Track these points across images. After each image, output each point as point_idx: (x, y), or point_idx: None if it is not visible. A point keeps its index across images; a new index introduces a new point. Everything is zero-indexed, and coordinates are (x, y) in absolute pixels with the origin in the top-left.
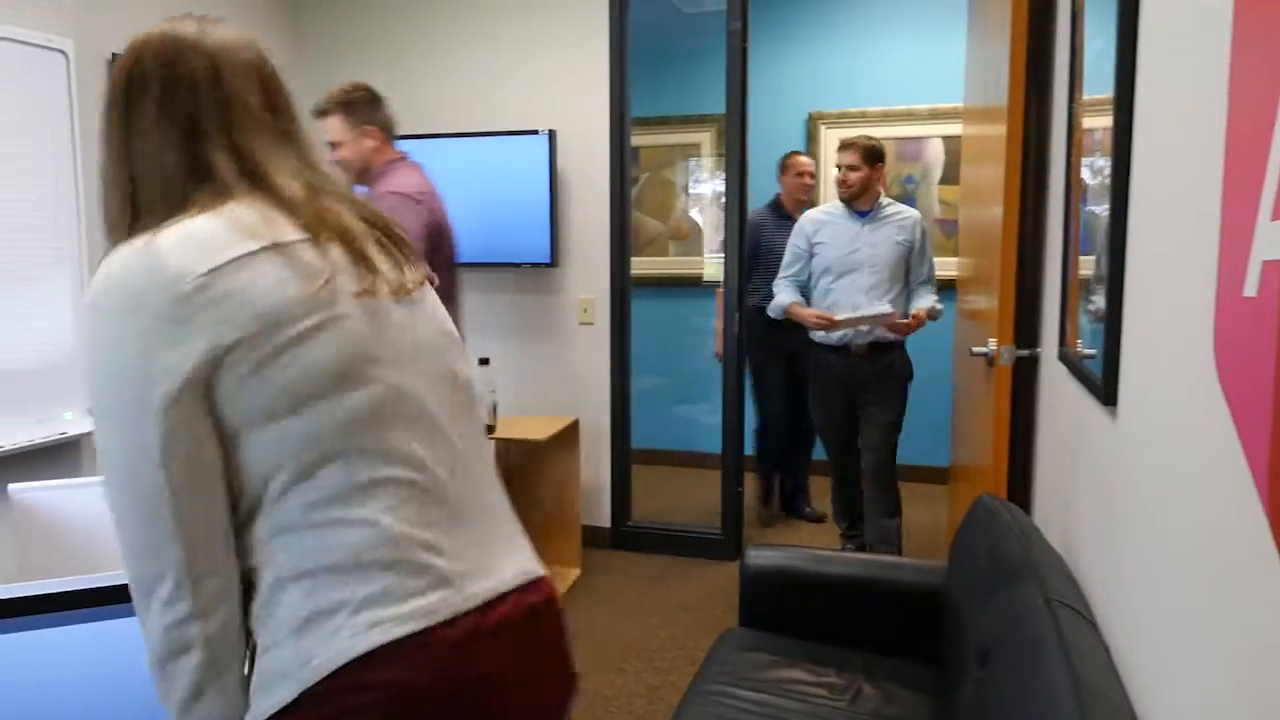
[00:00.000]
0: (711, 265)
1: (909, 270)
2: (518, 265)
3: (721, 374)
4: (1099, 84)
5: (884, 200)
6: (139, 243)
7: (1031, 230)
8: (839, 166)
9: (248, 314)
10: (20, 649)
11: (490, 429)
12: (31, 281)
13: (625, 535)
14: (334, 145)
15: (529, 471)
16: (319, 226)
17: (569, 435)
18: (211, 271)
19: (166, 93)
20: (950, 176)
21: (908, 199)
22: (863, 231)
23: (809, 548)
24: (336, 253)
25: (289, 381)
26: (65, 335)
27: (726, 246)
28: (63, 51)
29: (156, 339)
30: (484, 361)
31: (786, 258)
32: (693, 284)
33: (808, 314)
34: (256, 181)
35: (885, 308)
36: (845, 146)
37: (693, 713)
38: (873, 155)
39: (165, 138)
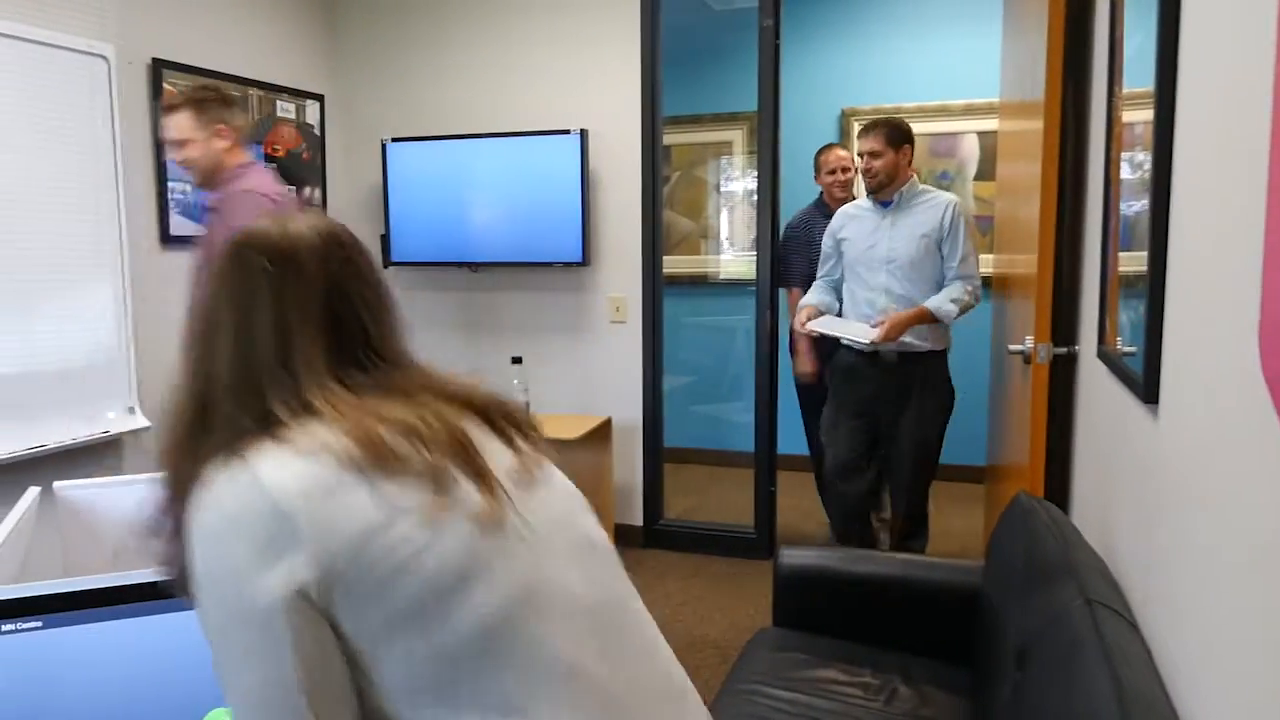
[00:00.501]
0: (735, 264)
1: (946, 264)
2: (550, 264)
3: (754, 372)
4: (1139, 77)
5: (913, 187)
6: (230, 470)
7: (1069, 226)
8: (861, 154)
9: (352, 529)
10: (66, 644)
11: None
12: (74, 284)
13: (658, 534)
14: (181, 143)
15: (561, 470)
16: (403, 445)
17: (601, 434)
18: (309, 492)
19: (241, 323)
20: (985, 172)
21: None
22: (883, 224)
23: (843, 547)
24: (439, 461)
25: (407, 592)
26: (107, 336)
27: (758, 244)
28: (104, 57)
29: (264, 560)
30: (517, 360)
31: (821, 257)
32: (727, 283)
33: (798, 317)
34: (316, 412)
35: (864, 333)
36: (865, 131)
37: (726, 712)
38: (897, 136)
39: (234, 370)
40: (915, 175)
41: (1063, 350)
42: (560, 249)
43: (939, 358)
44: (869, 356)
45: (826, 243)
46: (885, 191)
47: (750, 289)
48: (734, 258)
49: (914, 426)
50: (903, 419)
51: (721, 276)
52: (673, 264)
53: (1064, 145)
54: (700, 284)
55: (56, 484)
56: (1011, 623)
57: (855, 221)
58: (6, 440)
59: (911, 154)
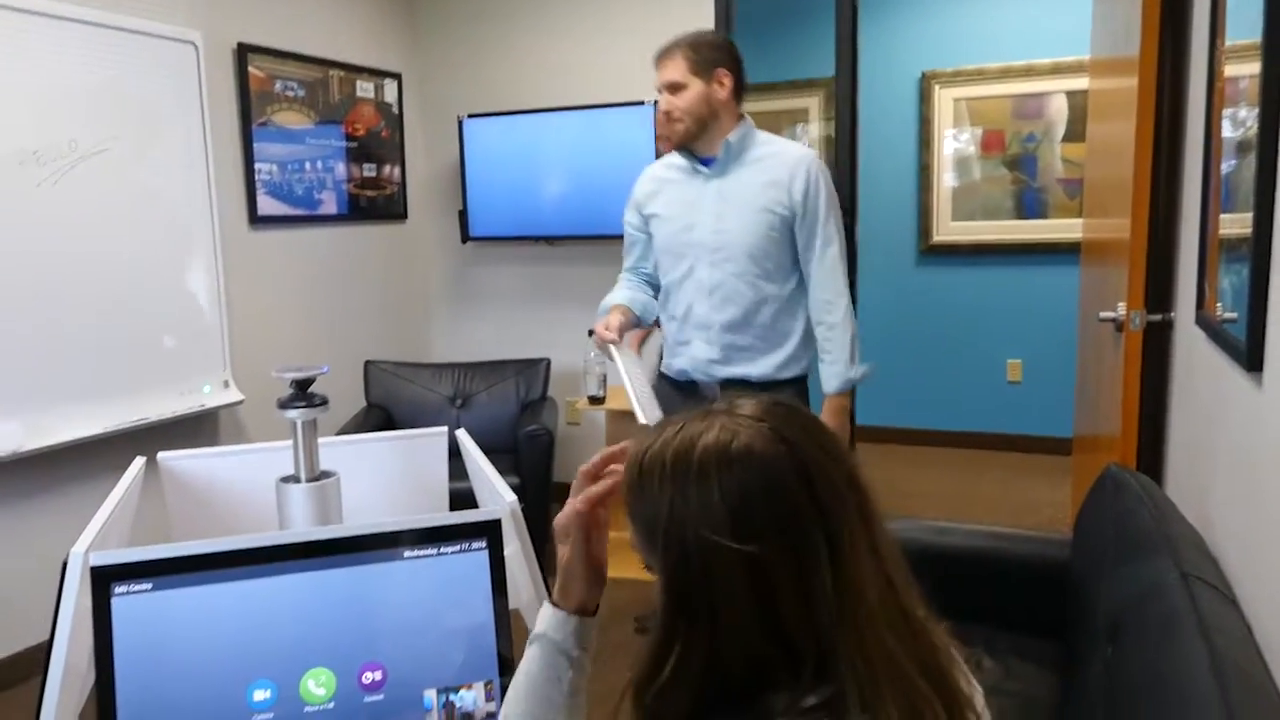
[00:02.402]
0: None
1: (803, 259)
2: (622, 237)
3: None
4: (1244, 28)
5: (748, 134)
6: None
7: (1165, 187)
8: (658, 90)
9: None
10: (175, 605)
11: (600, 400)
12: (169, 264)
13: None
14: None
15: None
16: None
17: None
18: None
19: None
20: (1075, 134)
21: (1028, 158)
22: (706, 193)
23: (926, 519)
24: None
25: None
26: (202, 314)
27: None
28: (192, 43)
29: None
30: (593, 334)
31: (625, 241)
32: None
33: (598, 325)
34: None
35: (644, 412)
36: (659, 55)
37: None
38: (706, 57)
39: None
40: (749, 119)
41: (1157, 317)
42: None
43: (790, 388)
44: (684, 388)
45: (630, 219)
46: (701, 144)
47: None
48: None
49: None
50: None
51: None
52: None
53: (1160, 102)
54: None
55: (161, 454)
56: (1102, 597)
57: (668, 189)
58: (113, 414)
59: (735, 82)
